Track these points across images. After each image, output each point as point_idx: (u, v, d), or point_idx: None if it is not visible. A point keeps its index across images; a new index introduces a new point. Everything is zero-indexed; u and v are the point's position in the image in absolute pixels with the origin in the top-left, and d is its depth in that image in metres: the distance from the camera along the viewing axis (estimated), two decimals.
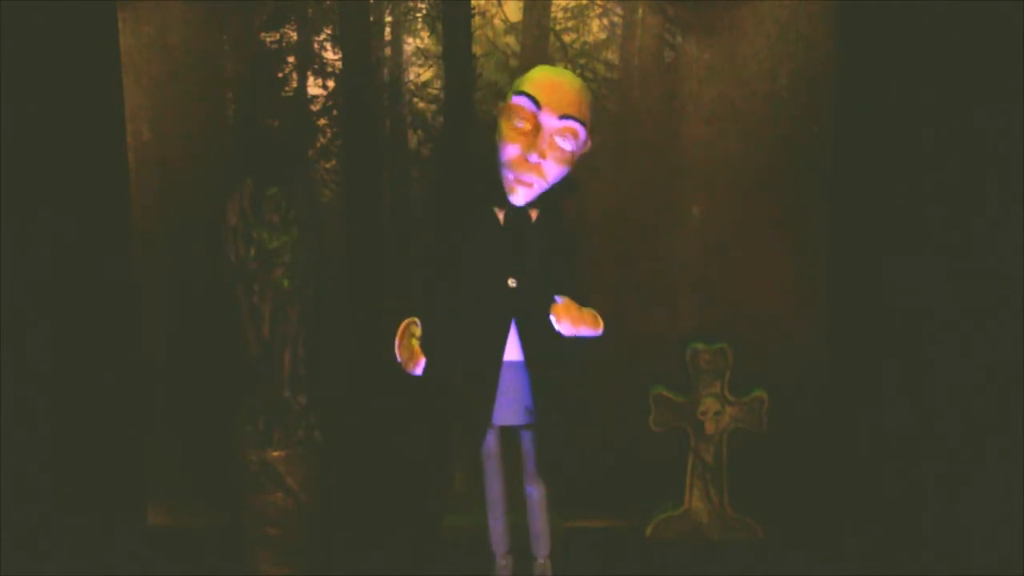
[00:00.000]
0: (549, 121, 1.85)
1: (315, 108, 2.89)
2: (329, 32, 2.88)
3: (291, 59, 2.88)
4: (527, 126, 1.85)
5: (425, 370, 1.95)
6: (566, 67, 2.81)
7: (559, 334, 1.88)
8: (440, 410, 2.05)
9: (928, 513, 2.27)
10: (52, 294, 2.20)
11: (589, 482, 2.69)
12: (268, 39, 2.85)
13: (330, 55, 2.88)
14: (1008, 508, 2.04)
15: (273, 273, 2.25)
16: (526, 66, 2.61)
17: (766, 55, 2.77)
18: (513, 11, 2.88)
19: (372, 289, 2.87)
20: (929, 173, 2.23)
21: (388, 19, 2.90)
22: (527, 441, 2.01)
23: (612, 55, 2.93)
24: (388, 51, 2.92)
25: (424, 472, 2.76)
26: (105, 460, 2.45)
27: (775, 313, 2.81)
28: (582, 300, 1.96)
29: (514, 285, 1.91)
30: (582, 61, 2.91)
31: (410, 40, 2.90)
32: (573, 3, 2.89)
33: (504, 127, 1.88)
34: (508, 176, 1.89)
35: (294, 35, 2.87)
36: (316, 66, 2.88)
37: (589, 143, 1.92)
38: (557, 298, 1.88)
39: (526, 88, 1.86)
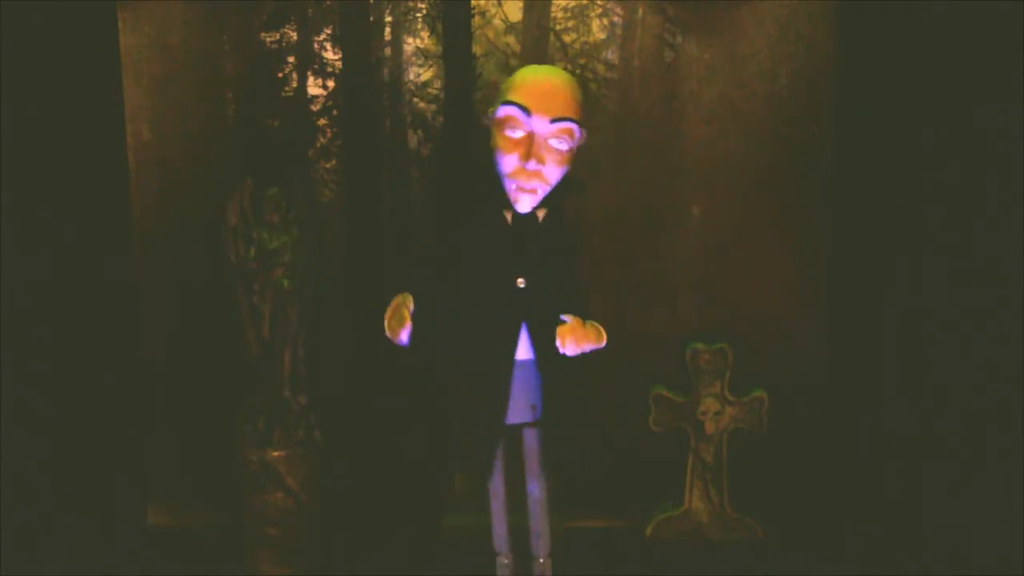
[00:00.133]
0: (542, 127, 1.82)
1: (315, 108, 2.89)
2: (329, 32, 2.88)
3: (291, 59, 2.88)
4: (520, 135, 1.83)
5: (413, 342, 1.92)
6: (566, 68, 2.82)
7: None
8: (443, 410, 2.05)
9: (928, 513, 2.27)
10: (52, 294, 2.20)
11: (589, 482, 2.70)
12: (268, 39, 2.85)
13: (330, 55, 2.88)
14: (1008, 508, 2.04)
15: (273, 273, 2.25)
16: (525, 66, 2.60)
17: (766, 55, 2.77)
18: (513, 11, 2.89)
19: (372, 289, 2.87)
20: (929, 173, 2.23)
21: (388, 19, 2.90)
22: (531, 439, 2.01)
23: (612, 55, 2.94)
24: (388, 51, 2.92)
25: (424, 472, 2.76)
26: (105, 460, 2.45)
27: (775, 313, 2.81)
28: (583, 300, 1.95)
29: (523, 285, 1.91)
30: (582, 61, 2.91)
31: (410, 40, 2.90)
32: (573, 3, 2.89)
33: (498, 138, 1.87)
34: (510, 186, 1.87)
35: (294, 35, 2.87)
36: (316, 66, 2.88)
37: (584, 135, 1.91)
38: (564, 317, 1.88)
39: (513, 97, 1.84)
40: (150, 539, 2.64)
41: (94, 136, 2.42)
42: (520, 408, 1.96)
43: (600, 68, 2.93)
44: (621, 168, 2.84)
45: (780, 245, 2.80)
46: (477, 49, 2.79)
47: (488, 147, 1.91)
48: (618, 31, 2.92)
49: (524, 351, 1.93)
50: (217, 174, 2.66)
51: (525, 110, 1.82)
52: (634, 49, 2.91)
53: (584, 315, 1.94)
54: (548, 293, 1.91)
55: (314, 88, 2.89)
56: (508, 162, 1.85)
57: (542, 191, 1.88)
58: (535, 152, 1.83)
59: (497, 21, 2.89)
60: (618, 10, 2.90)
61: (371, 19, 2.87)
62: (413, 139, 2.92)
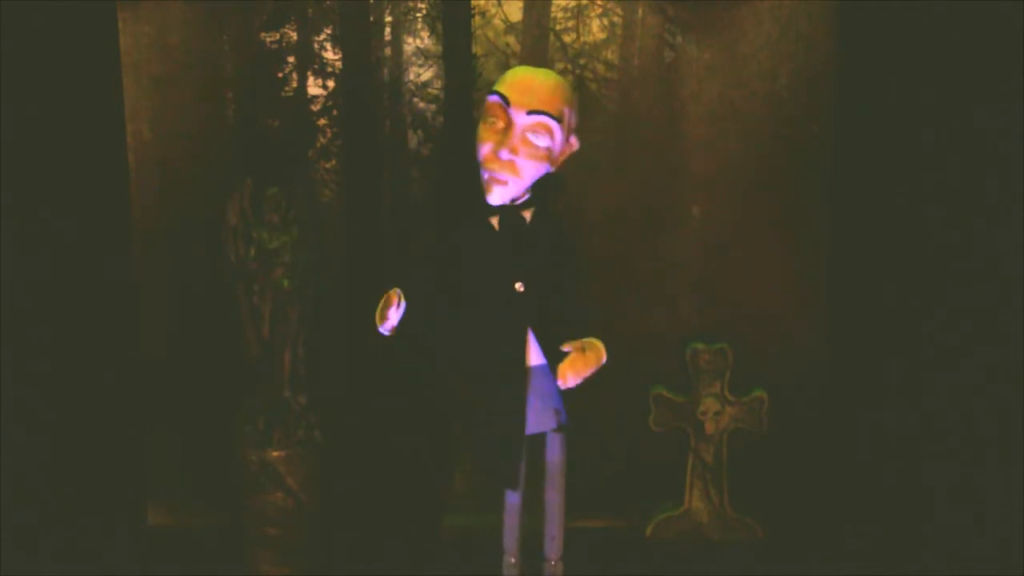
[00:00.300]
0: (519, 118, 1.84)
1: (315, 108, 2.90)
2: (329, 32, 2.88)
3: (291, 59, 2.88)
4: (499, 123, 1.85)
5: (402, 325, 1.91)
6: (566, 67, 2.82)
7: (570, 332, 1.88)
8: (449, 415, 2.03)
9: (928, 513, 2.27)
10: (52, 294, 2.20)
11: (589, 482, 2.69)
12: (268, 39, 2.85)
13: (330, 55, 2.88)
14: (1008, 508, 2.04)
15: (273, 273, 2.25)
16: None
17: (766, 55, 2.77)
18: (513, 11, 2.89)
19: (372, 289, 2.86)
20: (929, 173, 2.23)
21: (388, 19, 2.90)
22: (555, 445, 1.99)
23: (612, 55, 2.94)
24: (388, 51, 2.92)
25: (424, 472, 2.76)
26: (105, 460, 2.45)
27: (775, 313, 2.81)
28: (583, 305, 1.95)
29: (522, 289, 1.90)
30: (582, 61, 2.91)
31: (410, 40, 2.90)
32: (573, 3, 2.89)
33: (480, 127, 1.90)
34: (484, 175, 1.89)
35: (294, 35, 2.87)
36: (316, 66, 2.88)
37: (575, 142, 1.91)
38: (565, 348, 1.86)
39: (498, 87, 1.88)
40: (150, 539, 2.64)
41: (94, 136, 2.42)
42: (544, 415, 1.93)
43: (600, 68, 2.93)
44: (621, 168, 2.84)
45: (780, 245, 2.80)
46: (477, 49, 2.79)
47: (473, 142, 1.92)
48: (618, 31, 2.92)
49: (535, 357, 1.92)
50: (217, 174, 2.66)
51: (505, 100, 1.84)
52: (634, 49, 2.91)
53: (584, 322, 1.93)
54: (548, 297, 1.91)
55: (314, 88, 2.89)
56: (483, 149, 1.87)
57: (513, 184, 1.87)
58: (509, 142, 1.84)
59: (497, 21, 2.89)
60: (618, 10, 2.90)
61: (371, 19, 2.87)
62: (413, 139, 2.92)
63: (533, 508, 2.06)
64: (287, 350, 2.30)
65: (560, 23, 2.90)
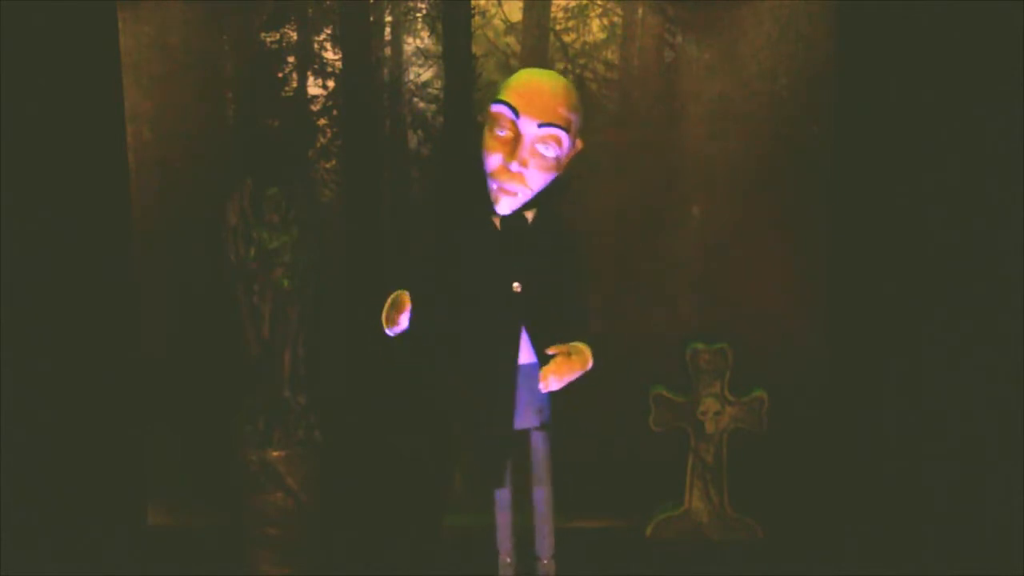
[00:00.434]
0: (529, 129, 1.81)
1: (315, 108, 2.90)
2: (329, 32, 2.88)
3: (291, 59, 2.88)
4: (508, 134, 1.82)
5: (412, 326, 1.91)
6: (566, 67, 2.82)
7: (565, 333, 1.88)
8: (452, 418, 2.04)
9: (928, 513, 2.27)
10: (52, 294, 2.20)
11: (589, 482, 2.69)
12: (268, 39, 2.85)
13: (330, 55, 2.88)
14: (1008, 508, 2.04)
15: (273, 273, 2.25)
16: (526, 66, 2.61)
17: (766, 55, 2.77)
18: (513, 11, 2.89)
19: (372, 289, 2.87)
20: (929, 173, 2.23)
21: (388, 19, 2.90)
22: (539, 443, 2.00)
23: (612, 55, 2.94)
24: (388, 51, 2.92)
25: (424, 472, 2.76)
26: (105, 460, 2.45)
27: (775, 313, 2.81)
28: (582, 307, 1.95)
29: (519, 289, 1.90)
30: (582, 61, 2.91)
31: (410, 40, 2.90)
32: (573, 3, 2.89)
33: (486, 136, 1.86)
34: (492, 186, 1.87)
35: (294, 35, 2.87)
36: (316, 66, 2.88)
37: (579, 145, 1.90)
38: (550, 351, 1.85)
39: (505, 96, 1.83)
40: (150, 539, 2.64)
41: (94, 136, 2.42)
42: (527, 413, 1.95)
43: (600, 68, 2.93)
44: (621, 168, 2.84)
45: (780, 245, 2.80)
46: (477, 49, 2.79)
47: (479, 148, 1.91)
48: (618, 31, 2.92)
49: (527, 355, 1.93)
50: (217, 174, 2.66)
51: (514, 110, 1.81)
52: (634, 49, 2.91)
53: (581, 324, 1.93)
54: (546, 297, 1.91)
55: (314, 88, 2.90)
56: (492, 161, 1.85)
57: (523, 195, 1.87)
58: (519, 154, 1.82)
59: (497, 21, 2.89)
60: (618, 10, 2.90)
61: (371, 19, 2.87)
62: (413, 139, 2.92)
63: (525, 507, 2.06)
64: (287, 350, 2.30)
65: (560, 23, 2.90)
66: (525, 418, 1.95)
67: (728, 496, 2.63)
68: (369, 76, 2.87)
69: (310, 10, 2.88)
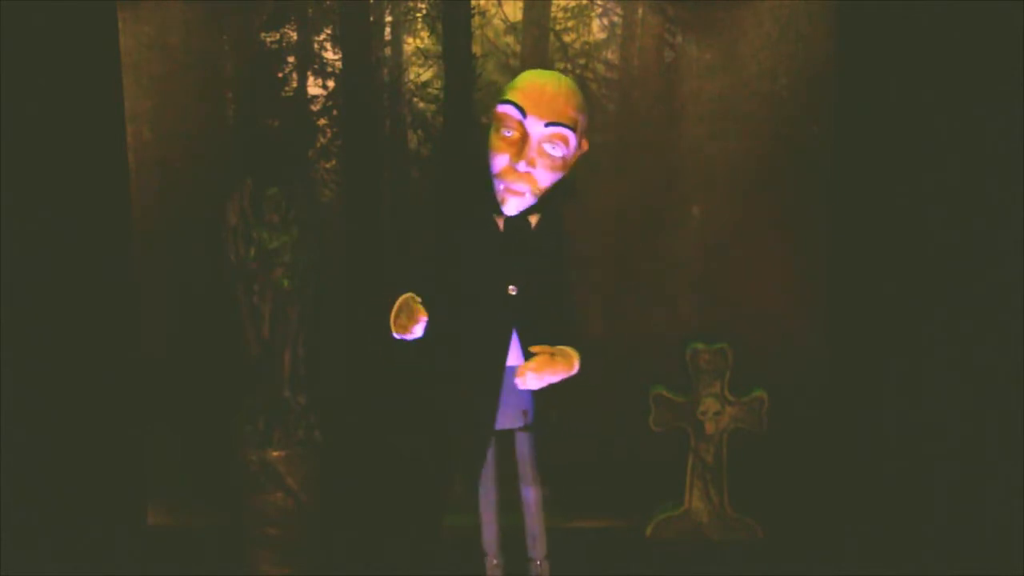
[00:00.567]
0: (536, 129, 1.81)
1: (315, 108, 2.90)
2: (329, 32, 2.88)
3: (291, 59, 2.88)
4: (515, 135, 1.82)
5: (426, 342, 1.92)
6: (566, 67, 2.82)
7: (556, 336, 1.88)
8: (441, 411, 2.05)
9: (928, 513, 2.27)
10: (52, 294, 2.20)
11: (589, 482, 2.70)
12: (268, 39, 2.85)
13: (330, 55, 2.88)
14: (1008, 508, 2.04)
15: (273, 273, 2.25)
16: (526, 66, 2.61)
17: (766, 55, 2.77)
18: (513, 11, 2.89)
19: (372, 289, 2.87)
20: (929, 173, 2.23)
21: (388, 19, 2.90)
22: (523, 444, 2.01)
23: (612, 55, 2.94)
24: (388, 51, 2.92)
25: (424, 472, 2.76)
26: (105, 460, 2.45)
27: (775, 313, 2.81)
28: (568, 311, 1.95)
29: (515, 292, 1.90)
30: (582, 61, 2.91)
31: (410, 40, 2.90)
32: (573, 3, 2.89)
33: (492, 137, 1.86)
34: (499, 186, 1.87)
35: (294, 35, 2.87)
36: (316, 66, 2.88)
37: (585, 145, 1.90)
38: (533, 349, 1.84)
39: (511, 96, 1.83)
40: (150, 539, 2.64)
41: (94, 136, 2.42)
42: (511, 413, 1.96)
43: (600, 68, 2.93)
44: (621, 168, 2.84)
45: (780, 245, 2.80)
46: (477, 49, 2.79)
47: (484, 149, 1.91)
48: (618, 31, 2.92)
49: (515, 357, 1.93)
50: (217, 174, 2.66)
51: (521, 110, 1.81)
52: (634, 49, 2.91)
53: (568, 328, 1.93)
54: (540, 300, 1.91)
55: (314, 88, 2.90)
56: (499, 162, 1.85)
57: (530, 195, 1.87)
58: (526, 154, 1.82)
59: (497, 21, 2.89)
60: (618, 10, 2.90)
61: (371, 19, 2.87)
62: (413, 139, 2.92)
63: (516, 508, 2.07)
64: (287, 350, 2.30)
65: (560, 23, 2.90)
66: (508, 419, 1.95)
67: (728, 496, 2.63)
68: (369, 76, 2.87)
69: (310, 10, 2.88)
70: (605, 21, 2.92)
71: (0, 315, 2.02)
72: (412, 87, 2.89)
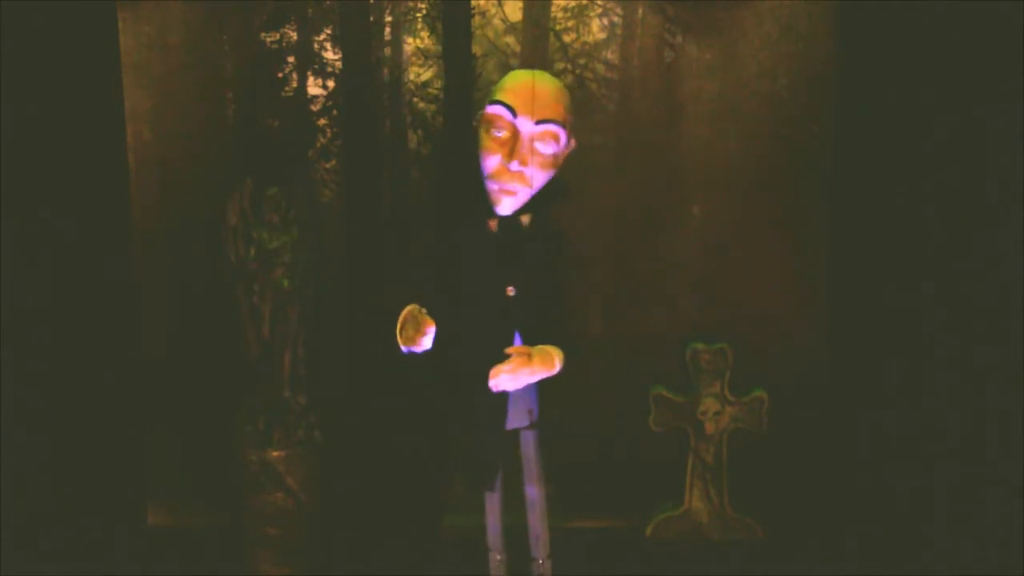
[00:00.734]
0: (526, 127, 1.83)
1: (315, 108, 2.90)
2: (329, 32, 2.88)
3: (291, 59, 2.88)
4: (506, 135, 1.83)
5: (433, 351, 1.91)
6: (566, 67, 2.82)
7: (556, 336, 1.88)
8: (445, 414, 2.04)
9: (928, 513, 2.27)
10: (52, 294, 2.20)
11: (589, 482, 2.70)
12: (268, 39, 2.85)
13: (330, 55, 2.88)
14: (1008, 508, 2.04)
15: (273, 273, 2.25)
16: (526, 66, 2.61)
17: (766, 55, 2.77)
18: (513, 11, 2.89)
19: (372, 289, 2.87)
20: (929, 173, 2.23)
21: (388, 19, 2.90)
22: (528, 443, 2.01)
23: (612, 55, 2.94)
24: (388, 51, 2.92)
25: (424, 472, 2.76)
26: (105, 460, 2.45)
27: (775, 313, 2.81)
28: (561, 312, 1.94)
29: (513, 293, 1.91)
30: (582, 61, 2.91)
31: (410, 40, 2.91)
32: (573, 3, 2.89)
33: (484, 138, 1.87)
34: (492, 187, 1.87)
35: (294, 35, 2.87)
36: (316, 66, 2.88)
37: (572, 143, 1.91)
38: (508, 350, 1.83)
39: (501, 96, 1.84)
40: (150, 539, 2.64)
41: (94, 136, 2.42)
42: (517, 413, 1.96)
43: (600, 68, 2.93)
44: (621, 168, 2.84)
45: (780, 245, 2.80)
46: (477, 49, 2.79)
47: (477, 150, 1.91)
48: (618, 31, 2.92)
49: None
50: (217, 174, 2.66)
51: (511, 110, 1.83)
52: (634, 49, 2.91)
53: (559, 328, 1.93)
54: (539, 299, 1.91)
55: (314, 88, 2.90)
56: (491, 162, 1.86)
57: (523, 194, 1.87)
58: (518, 153, 1.83)
59: (497, 21, 2.89)
60: (618, 10, 2.90)
61: (371, 19, 2.87)
62: (413, 139, 2.92)
63: (520, 507, 2.07)
64: (287, 350, 2.30)
65: (560, 23, 2.90)
66: (515, 419, 1.95)
67: (728, 496, 2.63)
68: (369, 76, 2.87)
69: (310, 10, 2.88)
70: (605, 21, 2.92)
71: (0, 315, 2.02)
72: (412, 87, 2.89)
